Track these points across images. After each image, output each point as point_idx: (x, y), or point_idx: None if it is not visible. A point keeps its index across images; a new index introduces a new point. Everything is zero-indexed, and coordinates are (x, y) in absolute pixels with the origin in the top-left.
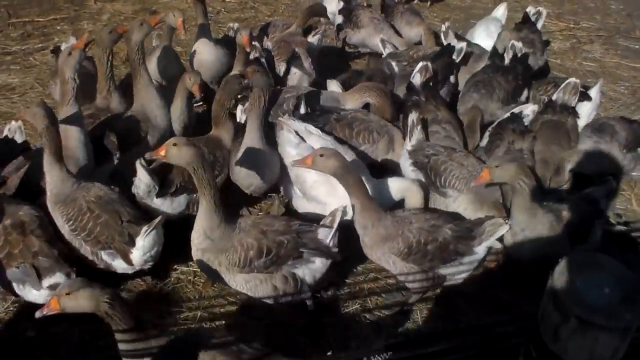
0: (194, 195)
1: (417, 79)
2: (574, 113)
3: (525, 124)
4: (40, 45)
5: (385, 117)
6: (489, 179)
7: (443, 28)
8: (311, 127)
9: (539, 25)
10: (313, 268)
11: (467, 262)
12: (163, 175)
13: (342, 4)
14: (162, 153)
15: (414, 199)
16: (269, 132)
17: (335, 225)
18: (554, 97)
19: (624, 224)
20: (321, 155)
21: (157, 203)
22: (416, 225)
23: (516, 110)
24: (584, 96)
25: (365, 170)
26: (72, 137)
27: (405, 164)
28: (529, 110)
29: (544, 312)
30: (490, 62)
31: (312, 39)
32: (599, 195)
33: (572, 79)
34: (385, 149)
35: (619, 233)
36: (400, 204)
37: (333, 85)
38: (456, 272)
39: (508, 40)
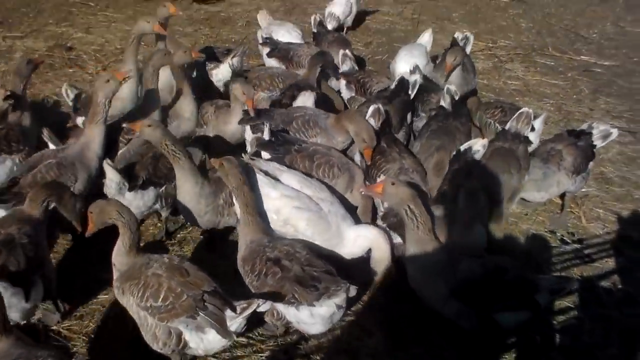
0: (161, 188)
1: (371, 124)
2: (525, 140)
3: (477, 159)
4: None
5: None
6: (379, 193)
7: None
8: (277, 165)
9: (468, 49)
10: (203, 337)
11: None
12: (129, 172)
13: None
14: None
15: (380, 251)
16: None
17: (245, 314)
18: (507, 127)
19: (578, 242)
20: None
21: (129, 198)
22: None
23: (465, 145)
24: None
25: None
26: (93, 152)
27: (380, 224)
28: (479, 146)
29: None
30: (438, 110)
31: (233, 60)
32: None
33: (525, 109)
34: (344, 186)
35: (574, 251)
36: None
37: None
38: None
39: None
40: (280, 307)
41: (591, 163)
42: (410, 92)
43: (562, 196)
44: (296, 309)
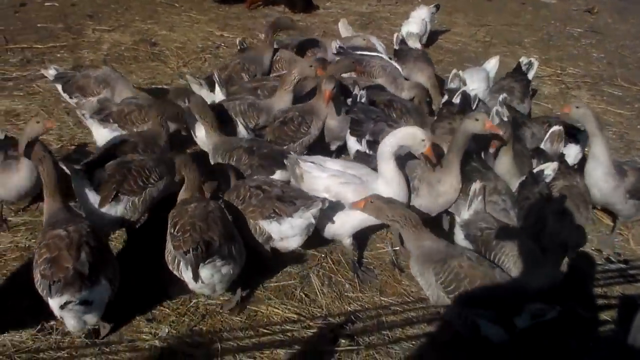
0: (133, 198)
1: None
2: (580, 171)
3: (547, 181)
4: (41, 72)
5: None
6: (362, 208)
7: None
8: (322, 157)
9: (530, 75)
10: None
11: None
12: (98, 185)
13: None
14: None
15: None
16: None
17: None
18: (542, 146)
19: (623, 262)
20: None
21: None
22: None
23: (537, 169)
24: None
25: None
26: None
27: (458, 233)
28: (550, 170)
29: None
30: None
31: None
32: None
33: (556, 127)
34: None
35: (619, 270)
36: None
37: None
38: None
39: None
40: (264, 223)
41: None
42: (472, 106)
43: (614, 218)
44: (278, 223)
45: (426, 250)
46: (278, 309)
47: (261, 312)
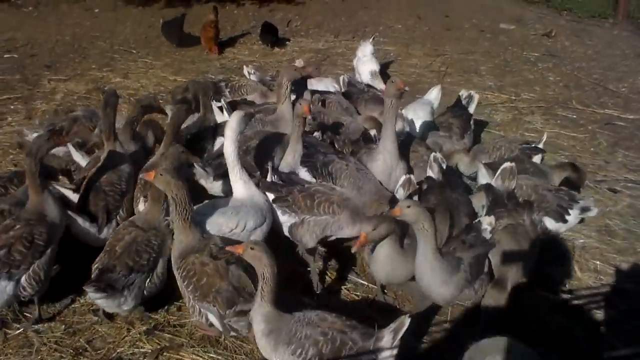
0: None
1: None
2: (529, 206)
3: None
4: None
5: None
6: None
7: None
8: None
9: (471, 108)
10: None
11: None
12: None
13: None
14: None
15: None
16: None
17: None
18: (493, 183)
19: (567, 292)
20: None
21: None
22: None
23: (475, 221)
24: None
25: None
26: None
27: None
28: (486, 224)
29: None
30: (429, 182)
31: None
32: None
33: (507, 164)
34: (348, 221)
35: (563, 301)
36: None
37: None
38: None
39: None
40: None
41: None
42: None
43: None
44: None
45: None
46: (201, 357)
47: None
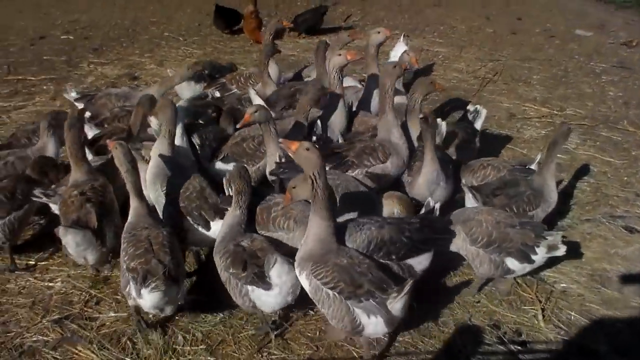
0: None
1: None
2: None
3: None
4: (21, 103)
5: None
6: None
7: None
8: None
9: (478, 124)
10: None
11: None
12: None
13: None
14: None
15: None
16: None
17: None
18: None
19: (520, 344)
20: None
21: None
22: None
23: None
24: None
25: None
26: None
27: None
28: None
29: None
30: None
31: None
32: None
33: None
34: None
35: (509, 353)
36: None
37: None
38: None
39: None
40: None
41: None
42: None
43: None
44: None
45: None
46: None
47: None
